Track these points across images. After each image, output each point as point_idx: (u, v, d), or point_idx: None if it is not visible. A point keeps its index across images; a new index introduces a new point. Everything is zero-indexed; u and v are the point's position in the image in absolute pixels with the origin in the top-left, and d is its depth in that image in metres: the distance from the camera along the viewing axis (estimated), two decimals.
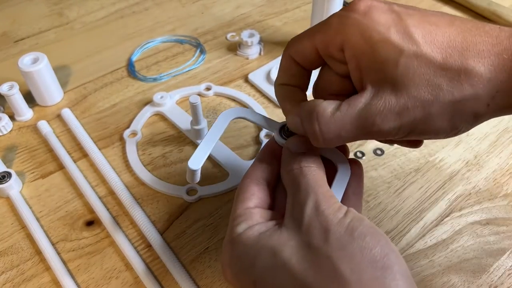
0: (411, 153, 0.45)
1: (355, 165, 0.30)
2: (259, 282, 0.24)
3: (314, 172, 0.27)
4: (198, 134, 0.45)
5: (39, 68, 0.48)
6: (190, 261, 0.37)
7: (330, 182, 0.28)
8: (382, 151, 0.45)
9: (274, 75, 0.52)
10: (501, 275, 0.36)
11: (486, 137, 0.47)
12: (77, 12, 0.65)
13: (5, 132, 0.48)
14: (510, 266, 0.37)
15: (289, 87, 0.30)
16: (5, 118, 0.48)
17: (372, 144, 0.46)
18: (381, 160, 0.45)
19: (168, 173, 0.44)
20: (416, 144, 0.30)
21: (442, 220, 0.40)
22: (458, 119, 0.24)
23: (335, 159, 0.30)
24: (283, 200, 0.28)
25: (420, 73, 0.23)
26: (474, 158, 0.45)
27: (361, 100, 0.24)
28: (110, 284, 0.36)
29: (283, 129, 0.31)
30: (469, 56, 0.23)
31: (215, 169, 0.44)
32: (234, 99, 0.51)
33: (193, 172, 0.29)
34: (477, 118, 0.24)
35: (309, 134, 0.26)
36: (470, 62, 0.23)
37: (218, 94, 0.52)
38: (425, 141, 0.45)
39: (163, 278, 0.36)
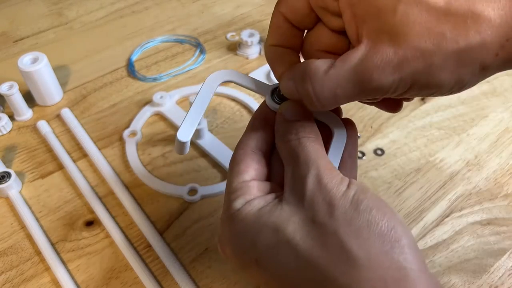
0: (412, 153, 0.45)
1: (349, 125, 0.29)
2: (262, 261, 0.24)
3: (313, 143, 0.26)
4: (198, 134, 0.45)
5: (38, 68, 0.48)
6: (190, 262, 0.37)
7: (326, 145, 0.27)
8: (383, 151, 0.45)
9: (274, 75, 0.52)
10: (502, 275, 0.36)
11: (487, 137, 0.47)
12: (76, 12, 0.65)
13: (4, 132, 0.48)
14: (511, 267, 0.37)
15: (281, 49, 0.28)
16: (5, 118, 0.48)
17: (373, 144, 0.46)
18: (381, 160, 0.44)
19: (168, 173, 0.44)
20: (395, 108, 0.28)
21: (442, 220, 0.40)
22: (463, 70, 0.22)
23: (330, 122, 0.28)
24: (280, 170, 0.27)
25: (421, 20, 0.21)
26: (475, 158, 0.45)
27: (357, 54, 0.22)
28: (110, 285, 0.36)
29: (275, 92, 0.29)
30: None
31: (215, 169, 0.44)
32: (234, 99, 0.51)
33: (182, 144, 0.27)
34: (484, 70, 0.22)
35: (304, 97, 0.24)
36: (478, 6, 0.20)
37: (218, 94, 0.52)
38: (425, 141, 0.46)
39: (163, 278, 0.36)
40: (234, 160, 0.27)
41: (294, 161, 0.25)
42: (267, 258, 0.23)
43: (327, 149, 0.27)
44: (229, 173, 0.27)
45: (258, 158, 0.27)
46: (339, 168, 0.27)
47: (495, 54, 0.21)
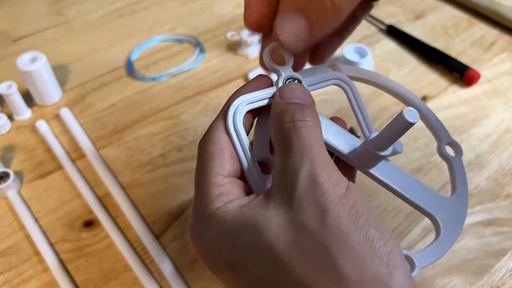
0: (413, 153, 0.45)
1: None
2: (239, 266, 0.21)
3: (309, 129, 0.22)
4: None
5: (37, 67, 0.47)
6: (189, 262, 0.37)
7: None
8: None
9: (273, 75, 0.52)
10: (503, 276, 0.36)
11: (488, 137, 0.46)
12: (75, 11, 0.65)
13: (3, 132, 0.48)
14: None
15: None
16: (4, 117, 0.48)
17: None
18: None
19: (168, 173, 0.44)
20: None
21: None
22: None
23: None
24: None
25: None
26: (476, 158, 0.44)
27: None
28: (109, 285, 0.36)
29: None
30: None
31: None
32: None
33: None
34: None
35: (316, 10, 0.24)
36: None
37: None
38: (426, 141, 0.46)
39: (163, 279, 0.36)
40: (210, 146, 0.24)
41: (286, 150, 0.22)
42: (246, 263, 0.20)
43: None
44: (203, 161, 0.24)
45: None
46: None
47: None
